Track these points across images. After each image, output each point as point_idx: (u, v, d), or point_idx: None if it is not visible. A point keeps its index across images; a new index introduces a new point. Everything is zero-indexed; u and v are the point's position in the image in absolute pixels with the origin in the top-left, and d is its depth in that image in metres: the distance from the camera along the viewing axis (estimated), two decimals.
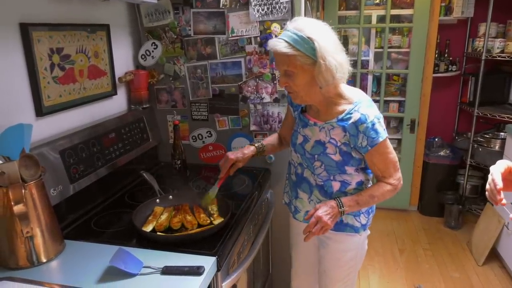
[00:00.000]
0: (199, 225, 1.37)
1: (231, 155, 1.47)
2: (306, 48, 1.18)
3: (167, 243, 1.25)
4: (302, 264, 1.69)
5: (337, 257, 1.50)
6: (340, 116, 1.31)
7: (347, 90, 1.34)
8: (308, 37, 1.18)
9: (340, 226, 1.42)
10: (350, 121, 1.29)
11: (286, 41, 1.19)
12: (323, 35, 1.20)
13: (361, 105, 1.30)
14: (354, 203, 1.32)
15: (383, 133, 1.29)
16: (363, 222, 1.45)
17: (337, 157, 1.34)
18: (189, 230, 1.34)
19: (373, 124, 1.27)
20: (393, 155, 1.34)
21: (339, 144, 1.33)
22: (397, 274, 2.68)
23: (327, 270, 1.54)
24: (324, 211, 1.27)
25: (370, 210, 1.48)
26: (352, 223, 1.43)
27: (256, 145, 1.55)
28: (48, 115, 1.43)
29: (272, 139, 1.64)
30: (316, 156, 1.37)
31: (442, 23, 3.22)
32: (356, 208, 1.35)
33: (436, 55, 3.30)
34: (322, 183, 1.39)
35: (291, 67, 1.22)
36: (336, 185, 1.38)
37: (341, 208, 1.30)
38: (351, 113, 1.29)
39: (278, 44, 1.20)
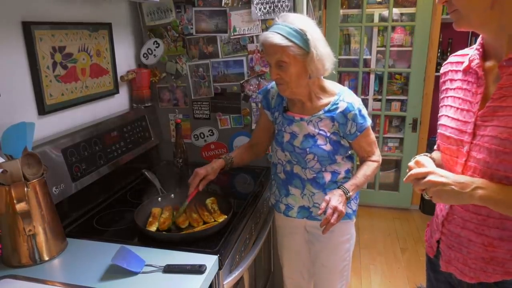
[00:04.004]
0: (204, 223, 1.38)
1: (200, 170, 1.47)
2: (300, 40, 1.25)
3: (169, 242, 1.25)
4: (297, 262, 1.69)
5: (335, 246, 1.54)
6: (327, 108, 1.40)
7: (327, 83, 1.44)
8: (301, 29, 1.26)
9: None
10: (338, 111, 1.38)
11: (280, 34, 1.26)
12: (312, 28, 1.29)
13: (344, 95, 1.40)
14: (355, 187, 1.40)
15: (368, 119, 1.41)
16: (354, 208, 1.53)
17: (328, 147, 1.40)
18: (195, 228, 1.35)
19: (360, 111, 1.38)
20: (373, 135, 1.48)
21: (328, 134, 1.40)
22: (398, 273, 2.68)
23: (325, 262, 1.57)
24: (337, 200, 1.32)
25: (357, 197, 1.56)
26: (346, 211, 1.47)
27: (222, 157, 1.54)
28: (50, 114, 1.43)
29: (240, 151, 1.63)
30: (307, 149, 1.41)
31: (445, 21, 3.21)
32: (356, 191, 1.42)
33: (439, 54, 3.28)
34: (315, 175, 1.44)
35: (284, 57, 1.27)
36: (327, 176, 1.45)
37: (347, 194, 1.36)
38: (337, 103, 1.39)
39: (272, 36, 1.26)
